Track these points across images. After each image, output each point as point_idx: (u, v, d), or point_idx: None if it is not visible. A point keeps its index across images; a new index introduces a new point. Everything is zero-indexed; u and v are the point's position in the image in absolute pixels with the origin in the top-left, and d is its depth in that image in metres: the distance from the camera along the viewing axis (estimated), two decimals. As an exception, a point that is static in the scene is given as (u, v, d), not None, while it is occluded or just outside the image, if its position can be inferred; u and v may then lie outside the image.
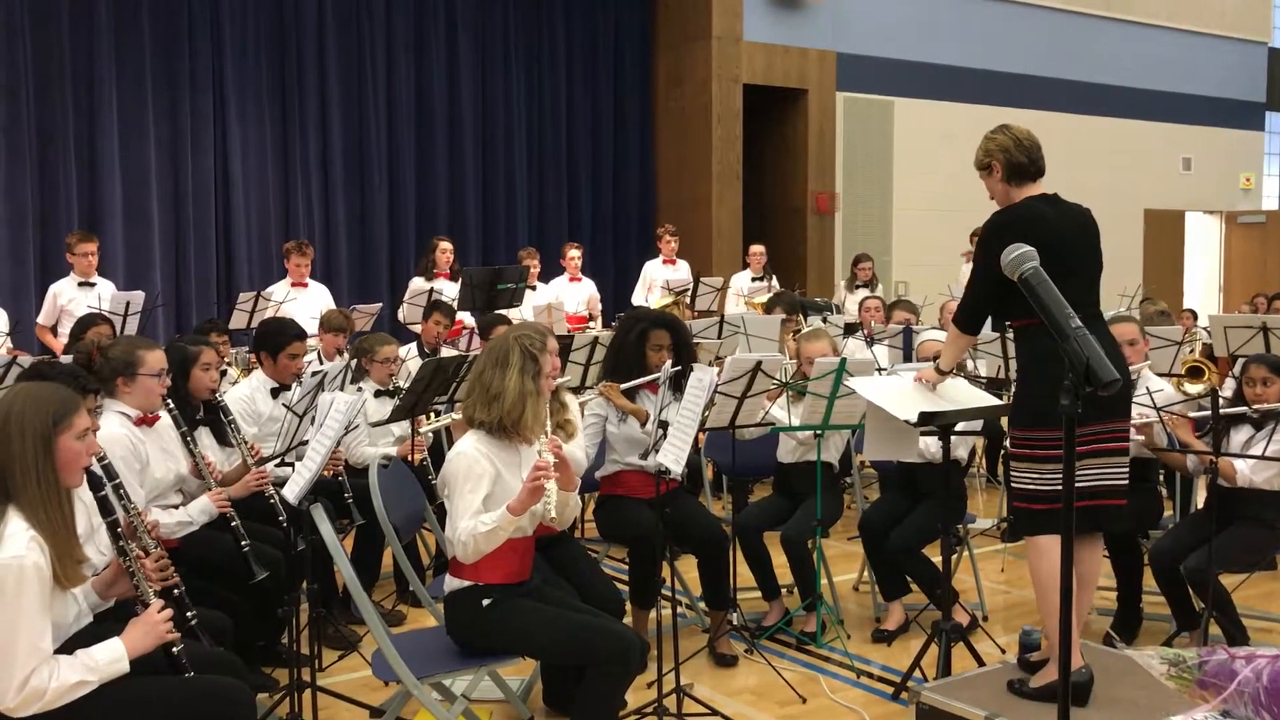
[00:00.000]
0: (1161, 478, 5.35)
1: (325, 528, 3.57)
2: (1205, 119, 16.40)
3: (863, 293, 10.20)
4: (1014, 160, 3.80)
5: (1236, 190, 17.21)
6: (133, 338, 4.67)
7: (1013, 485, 3.79)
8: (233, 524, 4.08)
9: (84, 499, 3.04)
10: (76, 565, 2.80)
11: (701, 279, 9.78)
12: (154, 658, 2.91)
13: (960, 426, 4.59)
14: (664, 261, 10.42)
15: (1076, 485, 3.56)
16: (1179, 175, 16.36)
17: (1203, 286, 17.06)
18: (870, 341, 7.77)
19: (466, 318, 8.25)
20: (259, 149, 10.77)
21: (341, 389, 5.17)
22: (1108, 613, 5.08)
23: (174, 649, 2.95)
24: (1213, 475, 4.54)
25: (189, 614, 3.21)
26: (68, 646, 2.80)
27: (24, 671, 2.62)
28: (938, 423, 4.05)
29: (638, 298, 10.28)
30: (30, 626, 2.64)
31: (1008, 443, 4.19)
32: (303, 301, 8.30)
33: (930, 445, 4.88)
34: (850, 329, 8.53)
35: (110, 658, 2.78)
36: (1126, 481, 3.76)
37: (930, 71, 13.83)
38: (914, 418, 3.92)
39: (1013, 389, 4.28)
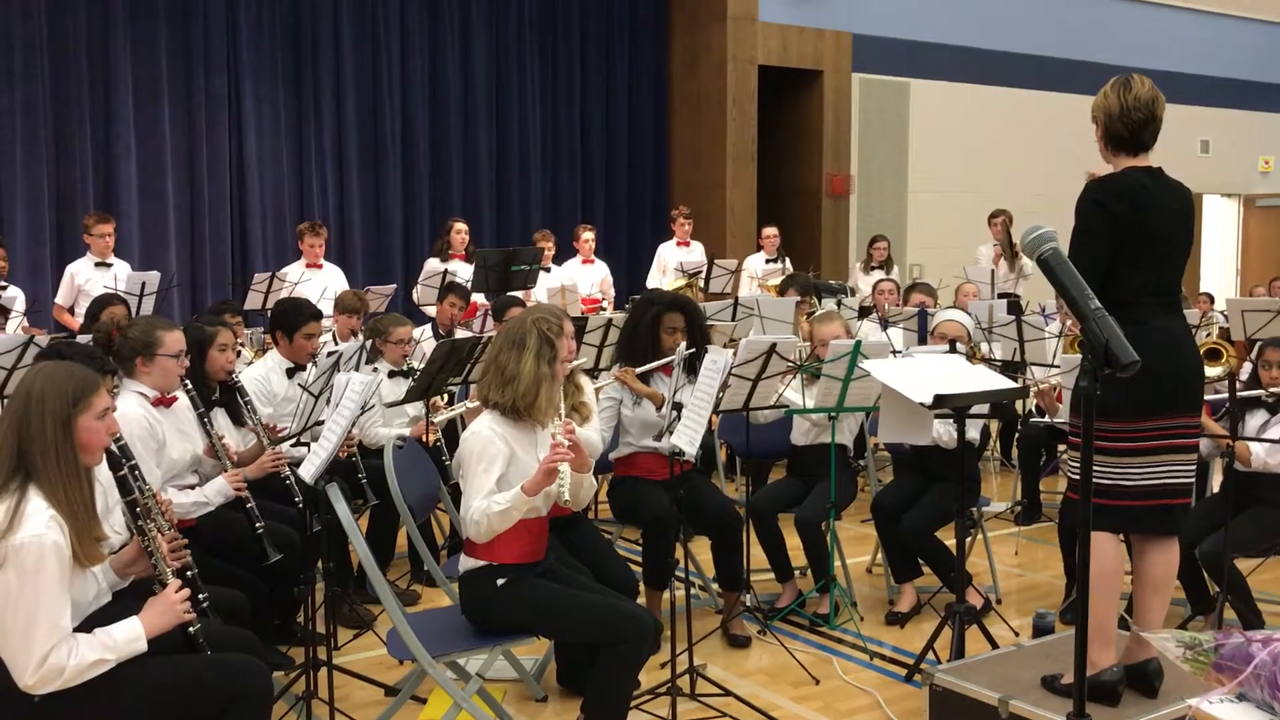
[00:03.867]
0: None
1: (341, 507, 3.58)
2: (1224, 101, 16.24)
3: (878, 274, 10.17)
4: (1112, 130, 3.50)
5: (1255, 173, 17.07)
6: (152, 318, 4.68)
7: (1069, 475, 3.64)
8: (248, 505, 4.10)
9: (99, 478, 3.05)
10: (95, 544, 2.82)
11: (715, 261, 9.76)
12: (171, 637, 2.93)
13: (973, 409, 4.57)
14: (678, 244, 10.40)
15: (1145, 483, 3.41)
16: (1197, 157, 16.22)
17: (1219, 270, 16.94)
18: (884, 324, 7.75)
19: (480, 299, 8.26)
20: (274, 130, 10.77)
21: (356, 369, 5.18)
22: (1122, 595, 5.07)
23: (191, 628, 2.97)
24: (1229, 459, 4.52)
25: (201, 595, 3.23)
26: (86, 625, 2.82)
27: (43, 649, 2.64)
28: (952, 405, 4.04)
29: (652, 280, 10.27)
30: (50, 604, 2.66)
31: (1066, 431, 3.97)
32: (317, 282, 8.32)
33: (943, 433, 4.87)
34: (865, 311, 8.51)
35: (128, 637, 2.80)
36: (1193, 480, 3.54)
37: (947, 53, 13.73)
38: (929, 400, 3.92)
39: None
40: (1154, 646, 3.20)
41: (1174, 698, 3.39)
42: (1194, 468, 3.55)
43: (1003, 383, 4.29)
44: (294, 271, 8.46)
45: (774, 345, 4.68)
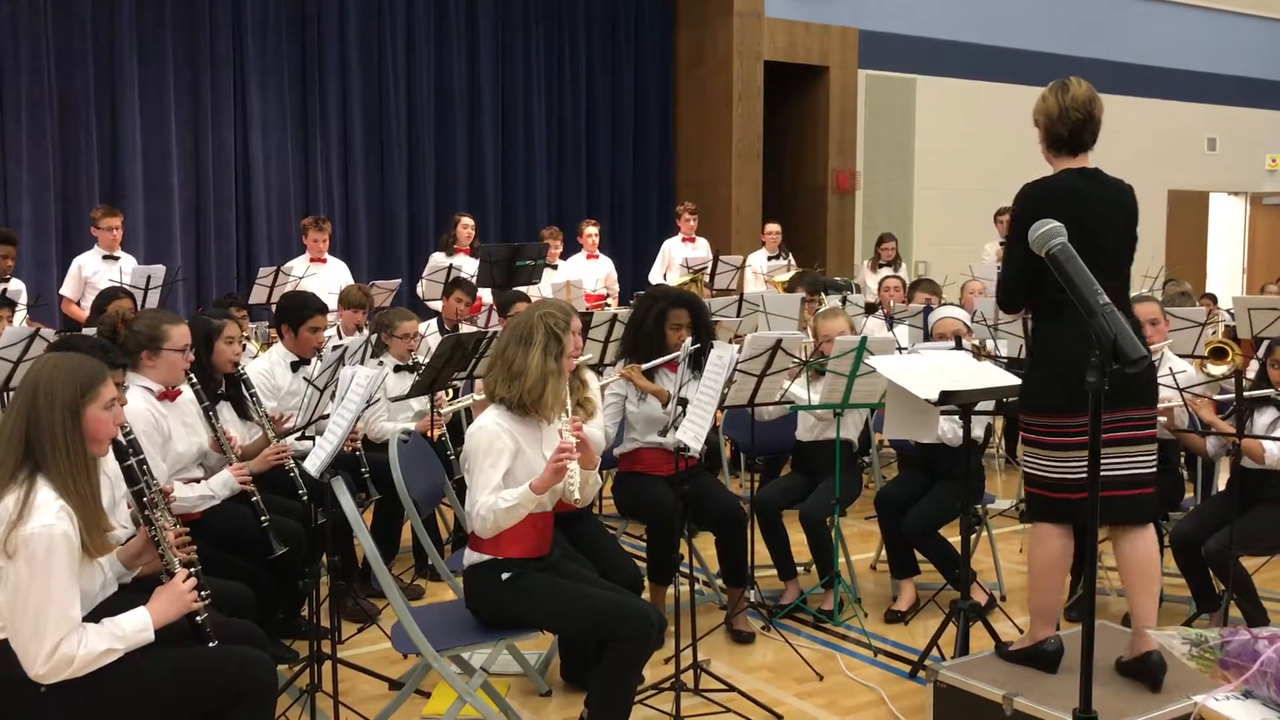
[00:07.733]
0: (1183, 459, 5.32)
1: (346, 501, 3.58)
2: (1231, 99, 16.20)
3: (885, 272, 10.15)
4: (1053, 131, 3.67)
5: (1262, 171, 17.02)
6: (158, 311, 4.68)
7: (1025, 470, 3.80)
8: (253, 499, 4.11)
9: (106, 471, 3.06)
10: (103, 535, 2.83)
11: (721, 257, 9.75)
12: (178, 627, 2.94)
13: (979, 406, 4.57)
14: (683, 239, 10.40)
15: (1082, 476, 3.53)
16: (1203, 156, 16.19)
17: (1226, 268, 16.90)
18: (890, 321, 7.74)
19: (486, 294, 8.26)
20: (279, 125, 10.78)
21: (362, 364, 5.18)
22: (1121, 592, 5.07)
23: (198, 618, 2.98)
24: (1235, 457, 4.51)
25: (203, 592, 3.24)
26: (94, 615, 2.83)
27: (53, 639, 2.65)
28: (958, 402, 4.04)
29: (656, 276, 10.27)
30: (60, 595, 2.67)
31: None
32: (322, 277, 8.34)
33: (950, 430, 4.86)
34: (871, 308, 8.50)
35: (136, 626, 2.81)
36: (1151, 471, 3.62)
37: (952, 49, 13.71)
38: (935, 397, 3.92)
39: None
40: (1152, 640, 3.41)
41: (1180, 695, 3.39)
42: (1149, 458, 3.63)
43: (1008, 379, 4.29)
44: (299, 266, 8.47)
45: (779, 341, 4.68)
